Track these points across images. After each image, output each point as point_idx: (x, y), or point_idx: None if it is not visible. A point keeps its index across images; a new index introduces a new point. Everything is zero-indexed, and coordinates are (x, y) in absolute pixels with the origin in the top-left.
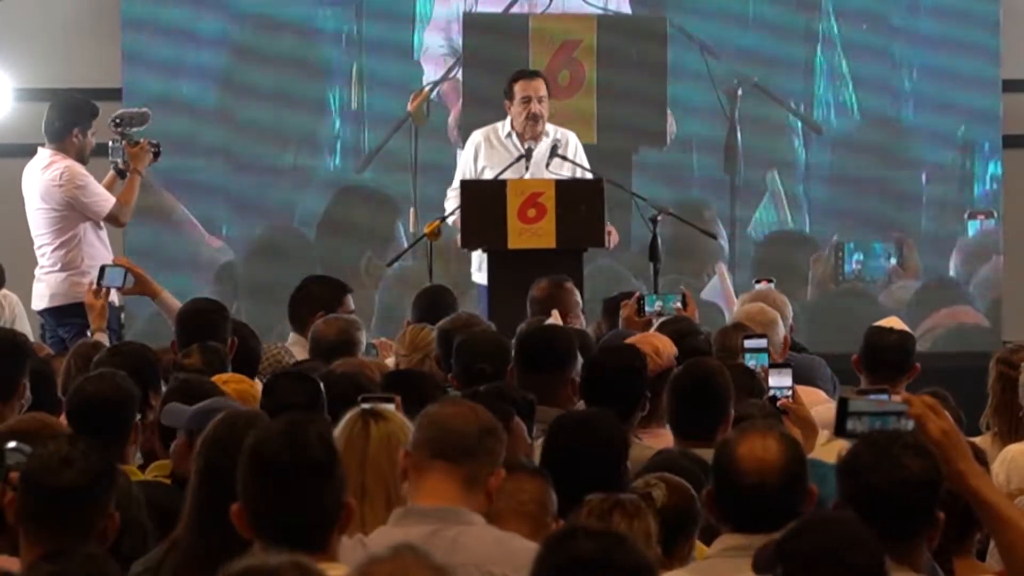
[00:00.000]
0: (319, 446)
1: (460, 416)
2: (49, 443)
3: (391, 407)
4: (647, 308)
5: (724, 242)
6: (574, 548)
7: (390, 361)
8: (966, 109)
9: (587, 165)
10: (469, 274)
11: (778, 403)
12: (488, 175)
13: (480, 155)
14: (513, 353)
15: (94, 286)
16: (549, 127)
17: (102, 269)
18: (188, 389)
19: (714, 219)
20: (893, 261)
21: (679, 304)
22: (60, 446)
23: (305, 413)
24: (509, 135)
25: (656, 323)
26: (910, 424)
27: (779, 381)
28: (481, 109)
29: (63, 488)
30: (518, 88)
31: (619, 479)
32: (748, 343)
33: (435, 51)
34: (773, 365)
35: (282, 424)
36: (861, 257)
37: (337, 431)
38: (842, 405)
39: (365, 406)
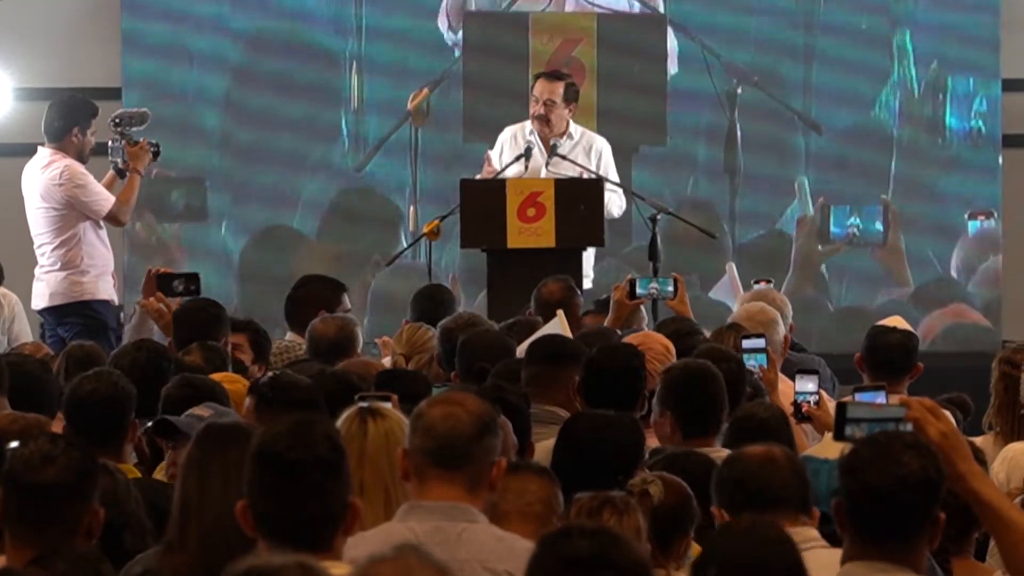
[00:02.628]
0: (325, 444)
1: (452, 419)
2: (31, 441)
3: (388, 405)
4: (639, 291)
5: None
6: (569, 547)
7: (388, 360)
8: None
9: (609, 173)
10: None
11: (803, 409)
12: (512, 170)
13: (506, 150)
14: (528, 345)
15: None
16: (576, 129)
17: (161, 279)
18: (190, 386)
19: (718, 219)
20: (880, 226)
21: (672, 288)
22: (42, 444)
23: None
24: (532, 131)
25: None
26: (908, 427)
27: (804, 386)
28: (482, 107)
29: (46, 486)
30: (535, 87)
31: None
32: (746, 343)
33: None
34: (800, 370)
35: (289, 423)
36: (852, 219)
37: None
38: (840, 410)
39: (362, 404)
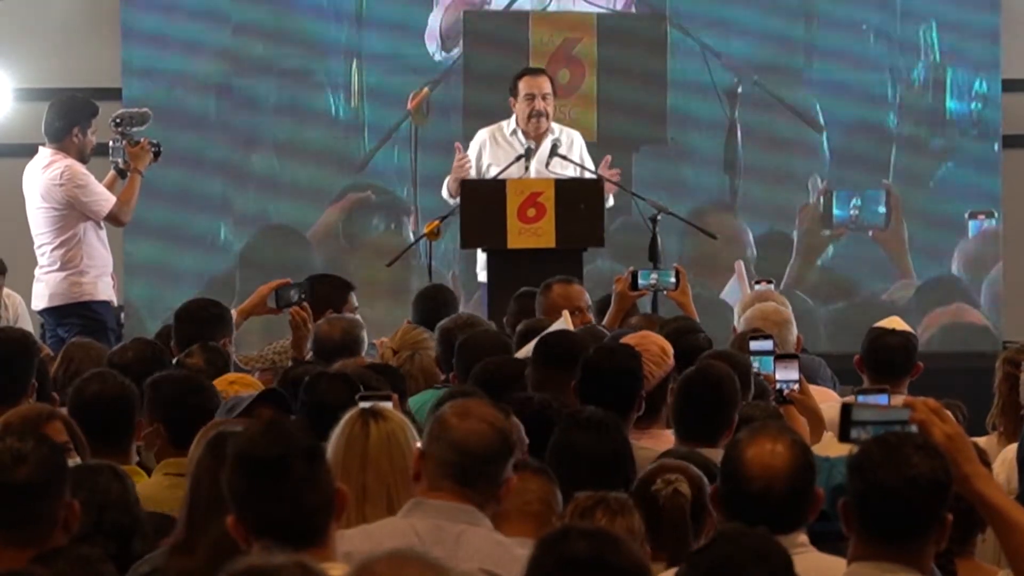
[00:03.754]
0: (303, 435)
1: (479, 437)
2: (3, 439)
3: (389, 405)
4: (641, 281)
5: (752, 250)
6: (567, 548)
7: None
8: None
9: (591, 167)
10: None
11: (784, 394)
12: (493, 172)
13: (485, 153)
14: (533, 350)
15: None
16: (554, 126)
17: (280, 290)
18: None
19: (739, 223)
20: (882, 209)
21: (674, 279)
22: (11, 443)
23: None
24: (514, 132)
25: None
26: (913, 429)
27: (785, 374)
28: (481, 108)
29: (21, 484)
30: (522, 85)
31: (625, 478)
32: (754, 344)
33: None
34: (779, 356)
35: (261, 424)
36: (854, 200)
37: (337, 431)
38: (845, 412)
39: (364, 405)
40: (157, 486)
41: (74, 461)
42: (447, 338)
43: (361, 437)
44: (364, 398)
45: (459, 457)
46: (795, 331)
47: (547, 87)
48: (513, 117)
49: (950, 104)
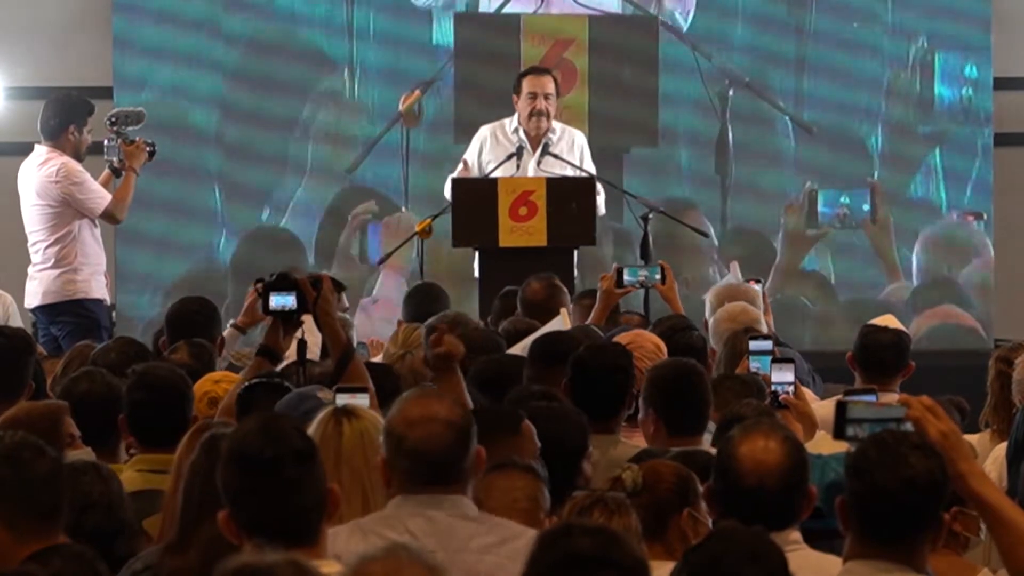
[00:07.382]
0: (298, 436)
1: (435, 440)
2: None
3: (364, 402)
4: (627, 278)
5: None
6: (569, 545)
7: (379, 360)
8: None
9: (591, 167)
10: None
11: (780, 398)
12: (501, 170)
13: (485, 149)
14: (530, 353)
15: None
16: (557, 125)
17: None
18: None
19: (701, 218)
20: (867, 207)
21: (660, 275)
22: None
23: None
24: (516, 130)
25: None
26: (908, 427)
27: (781, 376)
28: (473, 108)
29: (42, 475)
30: (526, 83)
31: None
32: (753, 344)
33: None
34: (775, 360)
35: (257, 422)
36: (841, 198)
37: (310, 430)
38: (841, 410)
39: (338, 402)
40: (131, 481)
41: (80, 453)
42: None
43: (334, 436)
44: (340, 390)
45: (420, 465)
46: (765, 328)
47: (550, 87)
48: (515, 115)
49: (939, 84)
